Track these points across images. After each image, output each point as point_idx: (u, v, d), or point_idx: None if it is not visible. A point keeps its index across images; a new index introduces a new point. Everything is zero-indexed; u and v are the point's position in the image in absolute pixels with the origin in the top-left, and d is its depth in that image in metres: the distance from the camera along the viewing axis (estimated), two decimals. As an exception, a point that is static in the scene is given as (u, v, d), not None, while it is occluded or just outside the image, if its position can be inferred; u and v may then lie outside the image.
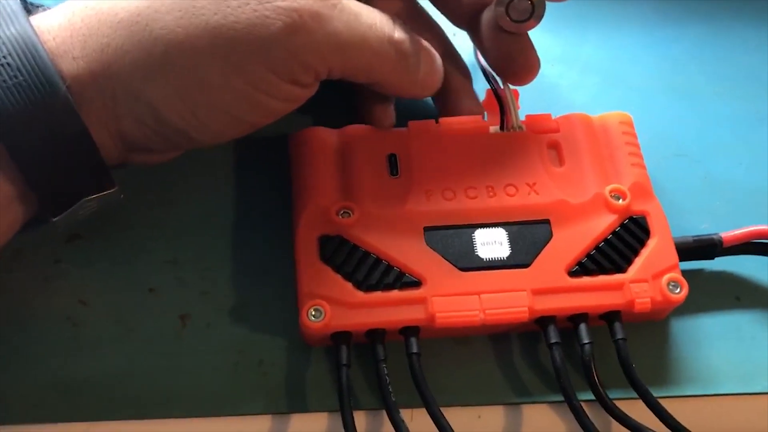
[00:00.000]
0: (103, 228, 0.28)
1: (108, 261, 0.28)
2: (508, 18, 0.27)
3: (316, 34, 0.23)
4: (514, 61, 0.28)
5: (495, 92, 0.29)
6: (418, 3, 0.31)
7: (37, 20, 0.23)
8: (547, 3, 0.27)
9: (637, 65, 0.34)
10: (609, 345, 0.26)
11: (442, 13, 0.31)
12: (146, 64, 0.23)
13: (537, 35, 0.34)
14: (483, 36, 0.29)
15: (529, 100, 0.31)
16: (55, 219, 0.23)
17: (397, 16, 0.29)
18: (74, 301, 0.27)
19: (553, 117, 0.29)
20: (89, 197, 0.24)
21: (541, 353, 0.27)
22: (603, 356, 0.26)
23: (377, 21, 0.25)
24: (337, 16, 0.24)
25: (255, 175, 0.30)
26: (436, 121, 0.29)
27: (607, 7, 0.36)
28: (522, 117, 0.29)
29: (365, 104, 0.29)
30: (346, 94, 0.30)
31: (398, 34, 0.26)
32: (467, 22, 0.29)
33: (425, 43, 0.28)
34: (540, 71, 0.33)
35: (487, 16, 0.28)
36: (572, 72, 0.34)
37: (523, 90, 0.31)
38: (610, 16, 0.35)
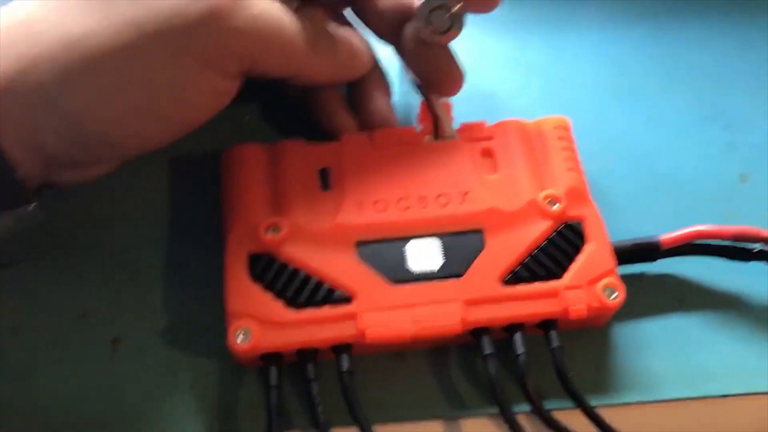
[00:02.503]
0: (35, 252, 0.28)
1: (40, 286, 0.27)
2: (428, 30, 0.27)
3: (236, 17, 0.23)
4: (438, 73, 0.28)
5: (427, 103, 0.29)
6: (344, 17, 0.31)
7: None
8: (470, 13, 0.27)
9: (581, 67, 0.33)
10: (546, 353, 0.26)
11: (367, 27, 0.30)
12: (65, 70, 0.22)
13: (478, 39, 0.34)
14: (406, 50, 0.29)
15: (471, 107, 0.31)
16: None
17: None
18: (5, 328, 0.26)
19: (488, 124, 0.29)
20: (2, 213, 0.23)
21: (479, 365, 0.26)
22: (544, 364, 0.25)
23: (287, 13, 0.25)
24: (250, 6, 0.24)
25: (189, 194, 0.29)
26: (370, 133, 0.29)
27: (550, 9, 0.35)
28: (457, 125, 0.29)
29: (320, 112, 0.29)
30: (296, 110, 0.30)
31: (312, 20, 0.26)
32: (391, 36, 0.29)
33: (345, 28, 0.28)
34: (482, 76, 0.33)
35: (408, 30, 0.28)
36: (515, 76, 0.33)
37: (464, 97, 0.31)
38: (553, 18, 0.35)
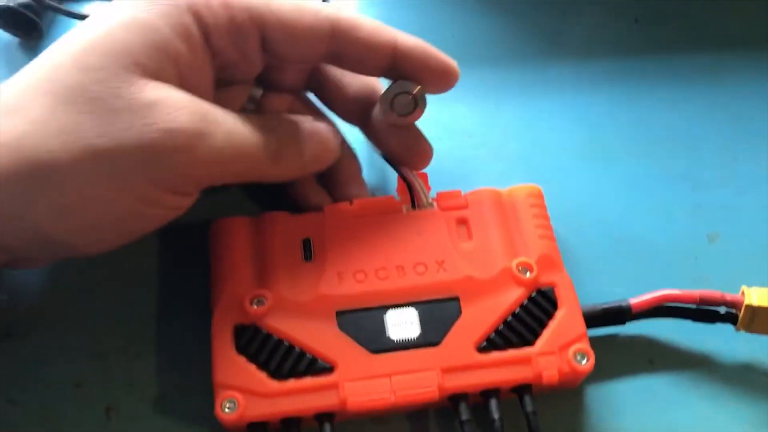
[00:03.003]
0: (32, 324, 0.29)
1: (36, 358, 0.28)
2: (393, 113, 0.29)
3: (198, 151, 0.24)
4: (407, 151, 0.30)
5: (402, 176, 0.30)
6: (308, 99, 0.32)
7: None
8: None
9: (554, 131, 0.35)
10: (522, 417, 0.27)
11: (332, 110, 0.32)
12: (31, 188, 0.23)
13: (452, 105, 0.35)
14: (374, 130, 0.30)
15: (446, 173, 0.32)
16: None
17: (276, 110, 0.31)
18: (2, 399, 0.28)
19: (463, 192, 0.30)
20: None
21: (458, 429, 0.27)
22: (520, 428, 0.26)
23: (252, 132, 0.26)
24: (217, 132, 0.25)
25: (178, 262, 0.31)
26: (351, 203, 0.30)
27: (523, 72, 0.37)
28: (434, 194, 0.30)
29: (290, 188, 0.31)
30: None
31: (269, 138, 0.27)
32: (357, 118, 0.31)
33: (309, 118, 0.29)
34: (457, 141, 0.34)
35: (375, 112, 0.30)
36: (489, 142, 0.35)
37: (439, 165, 0.32)
38: (526, 82, 0.36)
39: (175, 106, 0.24)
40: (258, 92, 0.31)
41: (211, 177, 0.26)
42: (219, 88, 0.29)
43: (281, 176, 0.28)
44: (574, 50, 0.37)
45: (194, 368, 0.28)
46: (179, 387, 0.28)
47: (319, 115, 0.32)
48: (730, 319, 0.28)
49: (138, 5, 0.26)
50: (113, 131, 0.23)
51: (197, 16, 0.26)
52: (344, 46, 0.28)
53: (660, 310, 0.29)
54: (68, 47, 0.25)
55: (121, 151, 0.23)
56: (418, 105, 0.29)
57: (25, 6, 0.36)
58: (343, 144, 0.32)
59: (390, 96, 0.29)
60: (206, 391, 0.27)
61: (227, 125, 0.26)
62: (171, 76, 0.26)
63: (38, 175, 0.23)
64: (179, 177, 0.25)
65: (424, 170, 0.31)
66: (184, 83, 0.26)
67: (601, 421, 0.28)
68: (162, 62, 0.25)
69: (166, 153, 0.24)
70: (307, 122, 0.29)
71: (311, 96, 0.32)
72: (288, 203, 0.30)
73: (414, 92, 0.29)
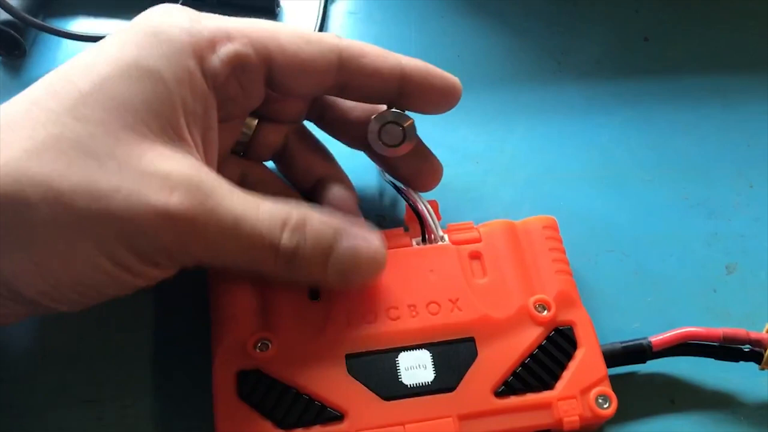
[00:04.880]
0: (21, 369, 0.27)
1: (29, 405, 0.27)
2: (380, 142, 0.27)
3: (186, 236, 0.22)
4: (416, 171, 0.29)
5: (412, 208, 0.28)
6: (306, 129, 0.31)
7: None
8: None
9: (564, 155, 0.34)
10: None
11: (334, 137, 0.30)
12: (7, 240, 0.21)
13: (460, 129, 0.34)
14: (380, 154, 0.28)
15: (453, 202, 0.31)
16: None
17: (281, 148, 0.29)
18: (-11, 454, 0.26)
19: (476, 224, 0.29)
20: None
21: (473, 477, 0.26)
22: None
23: (261, 228, 0.24)
24: (212, 221, 0.23)
25: (176, 302, 0.29)
26: (358, 238, 0.28)
27: (530, 94, 0.35)
28: (444, 225, 0.29)
29: None
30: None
31: (288, 238, 0.24)
32: (361, 143, 0.29)
33: (362, 231, 0.26)
34: (465, 169, 0.33)
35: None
36: (497, 167, 0.33)
37: (448, 191, 0.31)
38: (534, 103, 0.35)
39: (170, 182, 0.22)
40: (252, 122, 0.29)
41: (199, 261, 0.24)
42: None
43: (294, 280, 0.25)
44: (583, 71, 0.36)
45: (195, 417, 0.27)
46: (178, 435, 0.27)
47: (315, 149, 0.30)
48: (754, 357, 0.27)
49: (138, 47, 0.24)
50: (100, 193, 0.21)
51: (200, 56, 0.24)
52: (351, 75, 0.27)
53: (681, 348, 0.27)
54: (64, 92, 0.23)
55: (105, 214, 0.21)
56: (406, 138, 0.28)
57: (8, 23, 0.35)
58: (344, 182, 0.30)
59: (379, 124, 0.28)
60: (207, 439, 0.26)
61: (228, 212, 0.23)
62: (175, 133, 0.24)
63: (11, 226, 0.21)
64: (158, 253, 0.23)
65: (434, 198, 0.29)
66: (189, 136, 0.24)
67: (621, 466, 0.27)
68: (166, 118, 0.23)
69: (149, 230, 0.22)
70: (355, 232, 0.25)
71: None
72: None
73: (404, 124, 0.28)
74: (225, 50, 0.25)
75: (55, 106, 0.22)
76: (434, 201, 0.29)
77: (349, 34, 0.37)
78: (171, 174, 0.22)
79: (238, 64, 0.25)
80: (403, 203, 0.32)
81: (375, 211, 0.32)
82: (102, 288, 0.23)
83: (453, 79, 0.28)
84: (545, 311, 0.27)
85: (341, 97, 0.28)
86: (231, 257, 0.24)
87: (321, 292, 0.27)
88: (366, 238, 0.26)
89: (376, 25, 0.38)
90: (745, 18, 0.38)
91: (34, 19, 0.35)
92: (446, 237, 0.29)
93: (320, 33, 0.27)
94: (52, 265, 0.22)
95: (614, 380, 0.26)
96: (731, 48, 0.37)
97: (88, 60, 0.24)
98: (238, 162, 0.30)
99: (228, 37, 0.25)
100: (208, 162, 0.25)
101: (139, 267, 0.23)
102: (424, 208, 0.29)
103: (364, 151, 0.30)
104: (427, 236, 0.28)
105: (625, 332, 0.28)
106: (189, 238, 0.23)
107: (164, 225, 0.22)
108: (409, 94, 0.27)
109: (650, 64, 0.36)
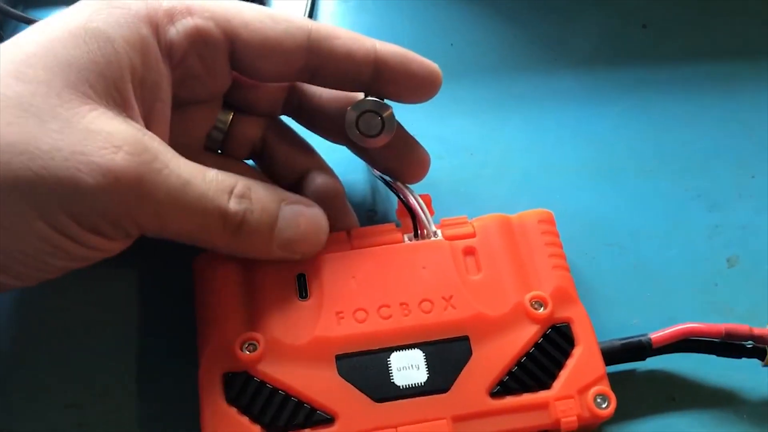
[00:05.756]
0: None
1: (5, 408, 0.26)
2: (357, 132, 0.26)
3: (132, 198, 0.22)
4: (402, 161, 0.28)
5: (404, 202, 0.28)
6: (283, 123, 0.30)
7: None
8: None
9: (561, 147, 0.33)
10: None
11: (315, 132, 0.29)
12: None
13: (453, 119, 0.33)
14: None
15: (446, 195, 0.30)
16: None
17: (259, 142, 0.28)
18: (-33, 460, 0.25)
19: (470, 218, 0.28)
20: None
21: (468, 480, 0.25)
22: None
23: (210, 191, 0.23)
24: (160, 183, 0.22)
25: (160, 300, 0.28)
26: (348, 233, 0.28)
27: (526, 83, 0.34)
28: (437, 220, 0.28)
29: None
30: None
31: (236, 205, 0.23)
32: (342, 136, 0.28)
33: (303, 204, 0.26)
34: (459, 162, 0.32)
35: None
36: (492, 160, 0.32)
37: (440, 184, 0.30)
38: (529, 93, 0.34)
39: (115, 141, 0.21)
40: (227, 116, 0.28)
41: (144, 229, 0.23)
42: (181, 107, 0.26)
43: (238, 252, 0.25)
44: (579, 59, 0.35)
45: (180, 420, 0.26)
46: (164, 439, 0.26)
47: (294, 142, 0.29)
48: (757, 354, 0.26)
49: (90, 11, 0.23)
50: (39, 152, 0.20)
51: (155, 25, 0.24)
52: (322, 57, 0.26)
53: (682, 344, 0.27)
54: (9, 54, 0.22)
55: (44, 175, 0.20)
56: (385, 128, 0.27)
57: (-14, 14, 0.34)
58: (327, 173, 0.29)
59: (356, 114, 0.27)
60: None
61: (178, 177, 0.22)
62: (121, 97, 0.23)
63: None
64: (101, 218, 0.22)
65: (426, 192, 0.28)
66: (136, 103, 0.23)
67: (621, 467, 0.26)
68: (112, 81, 0.22)
69: (86, 189, 0.21)
70: (298, 201, 0.26)
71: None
72: None
73: (383, 114, 0.27)
74: (184, 23, 0.24)
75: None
76: (427, 195, 0.28)
77: (340, 23, 0.36)
78: (115, 134, 0.22)
79: (198, 39, 0.25)
80: (395, 198, 0.31)
81: (365, 207, 0.31)
82: (46, 257, 0.22)
83: (432, 65, 0.27)
84: (542, 308, 0.26)
85: (314, 84, 0.27)
86: (177, 224, 0.23)
87: (310, 291, 0.26)
88: (308, 207, 0.26)
89: (368, 14, 0.37)
90: (745, 5, 0.37)
91: (14, 10, 0.34)
92: (439, 232, 0.28)
93: (289, 13, 0.26)
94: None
95: (613, 378, 0.25)
96: (731, 36, 0.36)
97: (39, 26, 0.23)
98: (215, 159, 0.29)
99: (188, 11, 0.24)
100: (157, 134, 0.24)
101: (80, 234, 0.22)
102: (415, 202, 0.28)
103: (346, 145, 0.29)
104: (419, 231, 0.27)
105: (624, 328, 0.27)
106: (134, 201, 0.22)
107: (108, 187, 0.21)
108: (386, 80, 0.26)
109: (649, 52, 0.35)
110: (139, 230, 0.23)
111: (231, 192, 0.24)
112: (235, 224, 0.24)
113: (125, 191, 0.21)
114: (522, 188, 0.31)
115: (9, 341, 0.27)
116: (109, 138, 0.21)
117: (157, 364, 0.27)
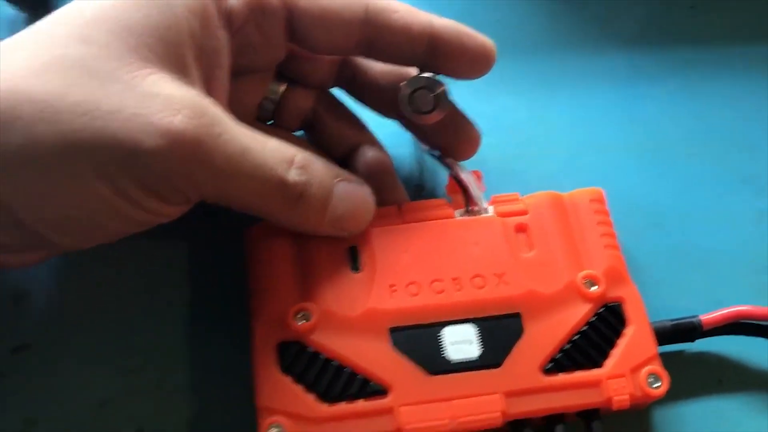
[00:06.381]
0: (51, 335, 0.27)
1: (57, 373, 0.26)
2: (410, 109, 0.26)
3: (191, 162, 0.21)
4: (452, 138, 0.28)
5: (455, 178, 0.27)
6: (334, 96, 0.30)
7: None
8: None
9: (608, 126, 0.32)
10: (587, 440, 0.25)
11: (366, 105, 0.29)
12: (2, 160, 0.20)
13: (497, 97, 0.33)
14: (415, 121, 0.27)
15: (494, 171, 0.30)
16: None
17: (309, 115, 0.28)
18: (21, 420, 0.25)
19: (521, 195, 0.28)
20: None
21: (517, 455, 0.26)
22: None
23: (269, 160, 0.23)
24: (219, 147, 0.22)
25: (211, 272, 0.28)
26: (399, 208, 0.28)
27: (573, 62, 0.34)
28: (488, 197, 0.28)
29: None
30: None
31: (294, 176, 0.23)
32: (393, 111, 0.28)
33: (354, 181, 0.26)
34: (506, 139, 0.32)
35: None
36: (538, 138, 0.32)
37: (488, 161, 0.30)
38: (576, 72, 0.34)
39: (175, 104, 0.21)
40: (279, 87, 0.28)
41: (203, 194, 0.23)
42: (235, 76, 0.26)
43: (290, 224, 0.25)
44: (626, 38, 0.35)
45: (232, 386, 0.26)
46: (216, 406, 0.26)
47: (345, 116, 0.29)
48: (808, 337, 0.27)
49: None
50: (100, 113, 0.20)
51: None
52: (379, 30, 0.25)
53: (732, 326, 0.27)
54: (70, 18, 0.22)
55: (105, 136, 0.20)
56: (438, 105, 0.27)
57: (31, -21, 0.33)
58: (377, 147, 0.29)
59: (410, 90, 0.26)
60: (245, 411, 0.25)
61: (239, 143, 0.22)
62: (180, 62, 0.23)
63: (8, 146, 0.20)
64: (163, 184, 0.22)
65: (478, 169, 0.28)
66: (195, 69, 0.23)
67: (668, 446, 0.26)
68: (172, 45, 0.22)
69: (147, 152, 0.21)
70: (350, 179, 0.26)
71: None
72: None
73: (436, 90, 0.26)
74: None
75: (61, 30, 0.22)
76: (478, 171, 0.28)
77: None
78: (174, 97, 0.22)
79: (257, 7, 0.25)
80: (442, 174, 0.31)
81: (412, 182, 0.31)
82: (104, 219, 0.22)
83: (487, 41, 0.26)
84: (594, 287, 0.26)
85: (369, 58, 0.27)
86: (237, 190, 0.23)
87: (362, 264, 0.26)
88: (360, 186, 0.26)
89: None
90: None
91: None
92: (491, 209, 0.28)
93: None
94: (50, 189, 0.21)
95: (661, 358, 0.26)
96: (784, 15, 0.35)
97: None
98: (266, 130, 0.28)
99: None
100: (215, 100, 0.24)
101: (140, 197, 0.22)
102: (467, 177, 0.28)
103: (397, 120, 0.29)
104: (470, 208, 0.27)
105: (671, 310, 0.27)
106: (194, 165, 0.22)
107: (166, 149, 0.21)
108: (441, 55, 0.26)
109: (696, 32, 0.35)
110: (197, 196, 0.23)
111: (291, 162, 0.24)
112: (294, 195, 0.24)
113: (184, 154, 0.21)
114: (568, 167, 0.31)
115: (61, 306, 0.27)
116: (168, 101, 0.21)
117: (207, 333, 0.27)
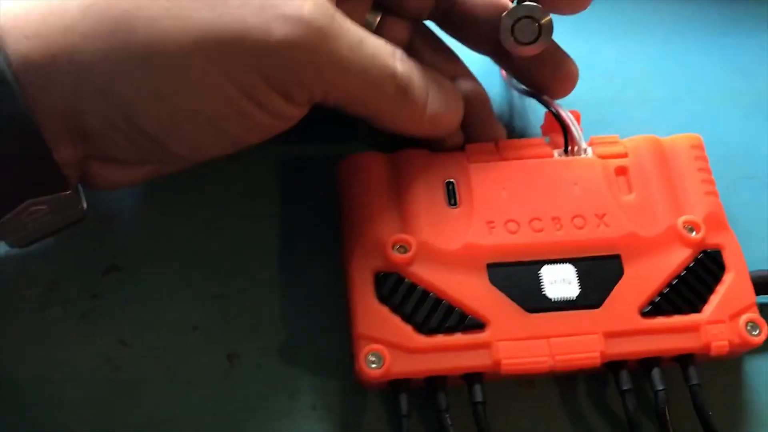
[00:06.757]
0: (142, 258, 0.27)
1: (148, 296, 0.26)
2: (512, 39, 0.26)
3: (319, 52, 0.21)
4: (549, 74, 0.27)
5: (556, 115, 0.27)
6: (428, 29, 0.29)
7: None
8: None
9: (703, 75, 0.32)
10: (679, 387, 0.25)
11: (461, 40, 0.29)
12: (122, 57, 0.20)
13: (589, 40, 0.32)
14: (509, 57, 0.27)
15: (588, 114, 0.29)
16: None
17: (405, 46, 0.27)
18: (114, 341, 0.25)
19: (619, 139, 0.28)
20: (36, 199, 0.21)
21: (609, 397, 0.25)
22: (673, 399, 0.24)
23: (381, 51, 0.23)
24: (342, 37, 0.22)
25: (301, 200, 0.28)
26: (496, 144, 0.27)
27: (668, 6, 0.33)
28: (585, 138, 0.27)
29: None
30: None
31: (401, 67, 0.24)
32: (489, 47, 0.27)
33: (442, 79, 0.26)
34: (597, 83, 0.31)
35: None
36: (632, 84, 0.31)
37: (580, 103, 0.29)
38: (672, 18, 0.33)
39: None
40: (375, 17, 0.27)
41: (326, 89, 0.23)
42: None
43: (396, 122, 0.25)
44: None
45: (321, 314, 0.26)
46: (306, 334, 0.26)
47: (441, 48, 0.29)
48: None
49: None
50: (227, 8, 0.20)
51: None
52: None
53: (830, 279, 0.26)
54: None
55: (234, 32, 0.20)
56: (542, 35, 0.26)
57: None
58: (472, 80, 0.28)
59: (512, 20, 0.26)
60: (335, 339, 0.25)
61: (355, 35, 0.22)
62: None
63: (132, 45, 0.20)
64: (293, 77, 0.22)
65: (576, 109, 0.27)
66: None
67: (762, 396, 0.26)
68: None
69: (282, 45, 0.20)
70: (436, 78, 0.26)
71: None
72: (402, 142, 0.27)
73: (541, 20, 0.26)
74: None
75: None
76: (576, 111, 0.28)
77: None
78: None
79: None
80: (531, 114, 0.30)
81: (502, 122, 0.30)
82: (225, 123, 0.22)
83: None
84: (694, 232, 0.26)
85: None
86: (356, 82, 0.23)
87: (459, 199, 0.26)
88: (446, 80, 0.26)
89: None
90: None
91: None
92: (590, 150, 0.27)
93: None
94: (174, 87, 0.20)
95: (757, 308, 0.25)
96: None
97: None
98: None
99: None
100: None
101: (267, 97, 0.22)
102: (568, 117, 0.27)
103: (490, 56, 0.29)
104: (570, 147, 0.27)
105: (763, 262, 0.27)
106: (321, 54, 0.21)
107: (299, 39, 0.21)
108: None
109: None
110: (320, 91, 0.23)
111: (394, 54, 0.24)
112: (402, 86, 0.24)
113: (313, 44, 0.21)
114: (663, 113, 0.31)
115: (150, 229, 0.27)
116: None
117: (299, 261, 0.27)
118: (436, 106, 0.25)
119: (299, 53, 0.21)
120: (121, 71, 0.20)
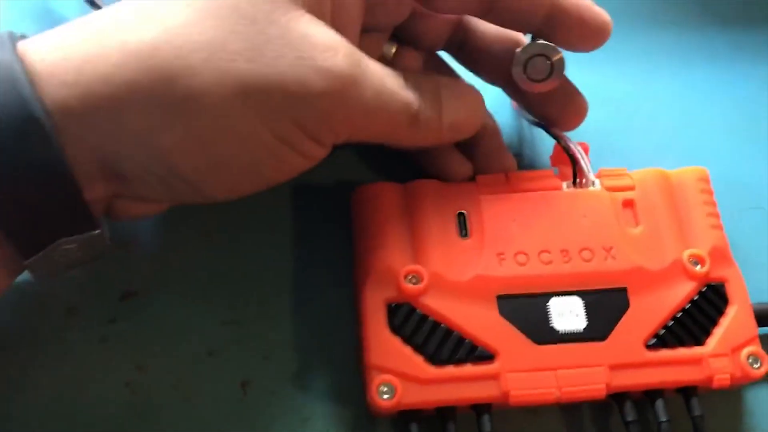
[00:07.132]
0: (158, 283, 0.27)
1: (165, 321, 0.27)
2: (524, 76, 0.26)
3: (350, 100, 0.22)
4: (559, 108, 0.28)
5: (565, 148, 0.27)
6: (440, 58, 0.30)
7: (27, 42, 0.21)
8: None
9: (708, 105, 0.32)
10: (682, 416, 0.25)
11: (474, 71, 0.29)
12: (163, 107, 0.20)
13: (598, 72, 0.32)
14: (522, 90, 0.27)
15: (595, 145, 0.30)
16: (26, 262, 0.21)
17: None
18: (132, 365, 0.26)
19: (627, 171, 0.28)
20: (67, 239, 0.21)
21: (613, 425, 0.26)
22: (675, 429, 0.25)
23: (397, 86, 0.24)
24: (368, 83, 0.23)
25: (316, 227, 0.28)
26: (506, 176, 0.28)
27: (676, 38, 0.34)
28: (594, 170, 0.28)
29: (435, 156, 0.28)
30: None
31: (412, 95, 0.24)
32: (503, 78, 0.28)
33: (455, 82, 0.27)
34: (605, 113, 0.32)
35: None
36: (640, 114, 0.32)
37: (587, 134, 0.30)
38: (678, 50, 0.34)
39: (330, 46, 0.22)
40: (391, 48, 0.28)
41: (351, 130, 0.24)
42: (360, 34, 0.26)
43: (415, 141, 0.26)
44: (729, 18, 0.34)
45: (334, 342, 0.26)
46: (319, 361, 0.26)
47: (454, 78, 0.29)
48: None
49: None
50: (264, 59, 0.21)
51: None
52: None
53: (831, 312, 0.27)
54: None
55: (271, 82, 0.21)
56: (553, 73, 0.26)
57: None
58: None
59: (525, 57, 0.26)
60: (347, 366, 0.26)
61: (378, 76, 0.23)
62: (324, 12, 0.23)
63: (172, 95, 0.20)
64: (323, 123, 0.22)
65: (585, 141, 0.28)
66: (334, 22, 0.23)
67: (761, 425, 0.26)
68: None
69: (316, 94, 0.21)
70: (450, 83, 0.26)
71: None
72: (414, 170, 0.28)
73: (553, 58, 0.26)
74: None
75: None
76: (585, 143, 0.28)
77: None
78: (329, 40, 0.22)
79: None
80: (541, 144, 0.31)
81: (511, 151, 0.30)
82: (259, 166, 0.23)
83: (604, 15, 0.26)
84: (699, 266, 0.26)
85: (486, 19, 0.27)
86: (376, 120, 0.24)
87: (470, 230, 0.26)
88: (460, 84, 0.27)
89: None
90: None
91: None
92: (598, 182, 0.28)
93: None
94: (213, 136, 0.21)
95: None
96: None
97: None
98: None
99: None
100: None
101: (301, 142, 0.22)
102: (576, 149, 0.28)
103: (503, 88, 0.29)
104: (578, 180, 0.28)
105: (764, 294, 0.27)
106: (351, 102, 0.22)
107: (333, 89, 0.22)
108: (558, 24, 0.26)
109: (800, 13, 0.34)
110: (346, 134, 0.24)
111: (406, 86, 0.24)
112: (414, 113, 0.24)
113: (346, 93, 0.22)
114: (668, 145, 0.31)
115: (167, 255, 0.28)
116: (326, 42, 0.22)
117: (313, 288, 0.27)
118: (453, 112, 0.26)
119: (332, 103, 0.22)
120: (161, 121, 0.21)
